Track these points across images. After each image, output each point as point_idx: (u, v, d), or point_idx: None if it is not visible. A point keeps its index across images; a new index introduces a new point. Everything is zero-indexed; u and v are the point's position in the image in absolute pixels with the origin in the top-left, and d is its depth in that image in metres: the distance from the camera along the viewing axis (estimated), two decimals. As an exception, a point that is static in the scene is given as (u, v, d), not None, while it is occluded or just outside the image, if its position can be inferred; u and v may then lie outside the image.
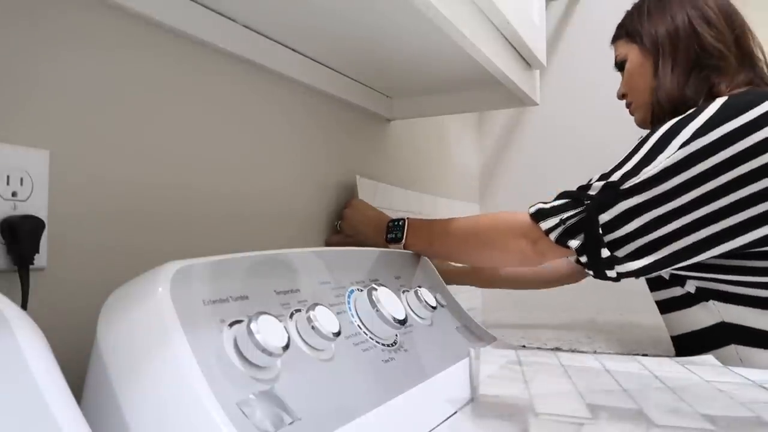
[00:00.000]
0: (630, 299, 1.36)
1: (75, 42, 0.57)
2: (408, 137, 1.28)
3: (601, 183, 0.70)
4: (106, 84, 0.60)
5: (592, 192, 0.70)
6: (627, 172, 0.69)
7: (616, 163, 0.71)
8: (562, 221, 0.71)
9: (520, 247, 0.75)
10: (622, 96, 0.94)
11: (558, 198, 0.74)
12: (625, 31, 0.90)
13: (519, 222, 0.75)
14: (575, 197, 0.72)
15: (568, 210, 0.71)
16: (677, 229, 0.66)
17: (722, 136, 0.64)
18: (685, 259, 0.67)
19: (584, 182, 0.73)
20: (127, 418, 0.36)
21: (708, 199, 0.64)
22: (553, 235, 0.71)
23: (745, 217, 0.64)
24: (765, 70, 0.82)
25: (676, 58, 0.81)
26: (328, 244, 0.96)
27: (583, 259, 0.70)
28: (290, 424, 0.39)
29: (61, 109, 0.56)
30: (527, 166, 1.65)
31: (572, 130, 1.55)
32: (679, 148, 0.66)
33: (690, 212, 0.65)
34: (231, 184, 0.77)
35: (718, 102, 0.68)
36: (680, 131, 0.67)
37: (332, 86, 0.97)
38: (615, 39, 0.94)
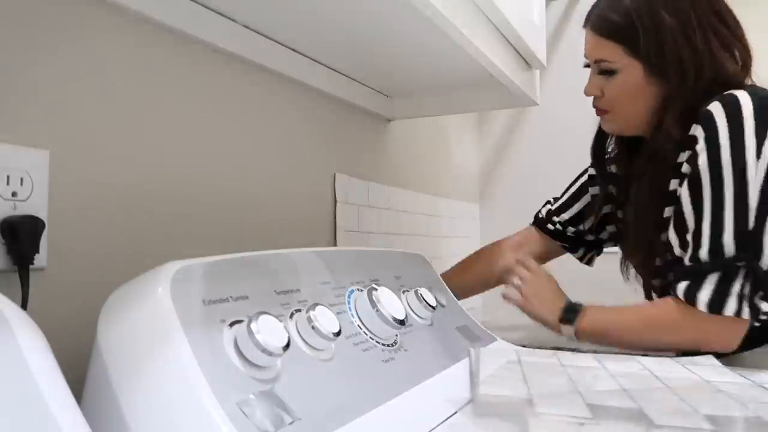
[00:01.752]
0: (630, 300, 1.36)
1: (75, 42, 0.57)
2: (408, 137, 1.28)
3: (730, 237, 0.68)
4: (106, 84, 0.60)
5: (729, 251, 0.68)
6: (736, 208, 0.68)
7: (709, 208, 0.70)
8: (741, 296, 0.68)
9: (724, 343, 0.71)
10: (591, 95, 0.85)
11: (696, 277, 0.70)
12: (624, 41, 0.78)
13: (701, 321, 0.70)
14: (724, 266, 0.69)
15: (733, 283, 0.68)
16: None
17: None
18: None
19: (684, 243, 0.73)
20: (128, 419, 0.36)
21: None
22: (744, 315, 0.68)
23: None
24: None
25: (690, 96, 0.75)
26: (504, 296, 0.88)
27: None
28: (290, 424, 0.39)
29: (61, 109, 0.56)
30: (527, 166, 1.65)
31: (572, 130, 1.54)
32: (758, 159, 0.68)
33: None
34: (230, 183, 0.77)
35: (746, 100, 0.70)
36: (743, 144, 0.69)
37: (332, 86, 0.97)
38: (601, 35, 0.80)
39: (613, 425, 0.44)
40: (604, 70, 0.82)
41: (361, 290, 0.59)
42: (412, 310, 0.66)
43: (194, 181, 0.71)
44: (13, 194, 0.50)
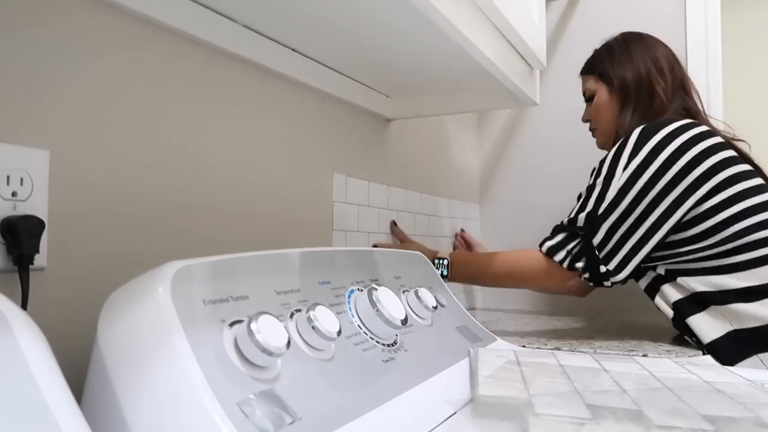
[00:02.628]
0: (629, 300, 1.36)
1: (75, 42, 0.57)
2: (408, 137, 1.28)
3: (584, 214, 0.97)
4: (106, 84, 0.60)
5: (580, 224, 0.97)
6: (596, 199, 0.97)
7: (583, 198, 1.00)
8: (569, 252, 0.98)
9: (547, 281, 1.02)
10: (586, 120, 1.20)
11: (556, 233, 1.01)
12: (596, 71, 1.15)
13: (540, 261, 1.01)
14: (572, 231, 0.99)
15: (569, 242, 0.98)
16: (642, 235, 0.93)
17: (646, 155, 0.93)
18: (649, 253, 0.95)
19: (569, 214, 1.00)
20: (127, 418, 0.36)
21: (654, 204, 0.92)
22: (565, 264, 0.98)
23: (681, 215, 0.92)
24: (697, 103, 1.09)
25: (637, 104, 1.08)
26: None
27: (586, 275, 0.97)
28: (290, 424, 0.39)
29: (61, 109, 0.56)
30: (527, 166, 1.65)
31: (572, 130, 1.55)
32: (623, 172, 0.95)
33: (647, 218, 0.93)
34: (230, 183, 0.77)
35: (636, 131, 0.97)
36: (619, 159, 0.96)
37: (332, 86, 0.97)
38: (585, 73, 1.18)
39: (612, 425, 0.44)
40: (588, 97, 1.21)
41: (361, 290, 0.59)
42: (412, 310, 0.67)
43: (194, 181, 0.71)
44: (13, 194, 0.50)
